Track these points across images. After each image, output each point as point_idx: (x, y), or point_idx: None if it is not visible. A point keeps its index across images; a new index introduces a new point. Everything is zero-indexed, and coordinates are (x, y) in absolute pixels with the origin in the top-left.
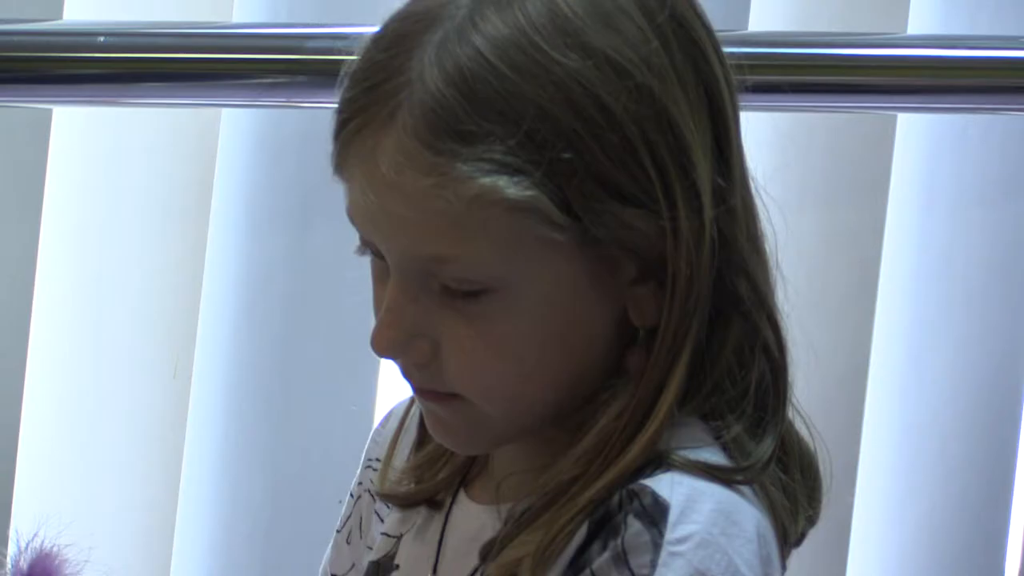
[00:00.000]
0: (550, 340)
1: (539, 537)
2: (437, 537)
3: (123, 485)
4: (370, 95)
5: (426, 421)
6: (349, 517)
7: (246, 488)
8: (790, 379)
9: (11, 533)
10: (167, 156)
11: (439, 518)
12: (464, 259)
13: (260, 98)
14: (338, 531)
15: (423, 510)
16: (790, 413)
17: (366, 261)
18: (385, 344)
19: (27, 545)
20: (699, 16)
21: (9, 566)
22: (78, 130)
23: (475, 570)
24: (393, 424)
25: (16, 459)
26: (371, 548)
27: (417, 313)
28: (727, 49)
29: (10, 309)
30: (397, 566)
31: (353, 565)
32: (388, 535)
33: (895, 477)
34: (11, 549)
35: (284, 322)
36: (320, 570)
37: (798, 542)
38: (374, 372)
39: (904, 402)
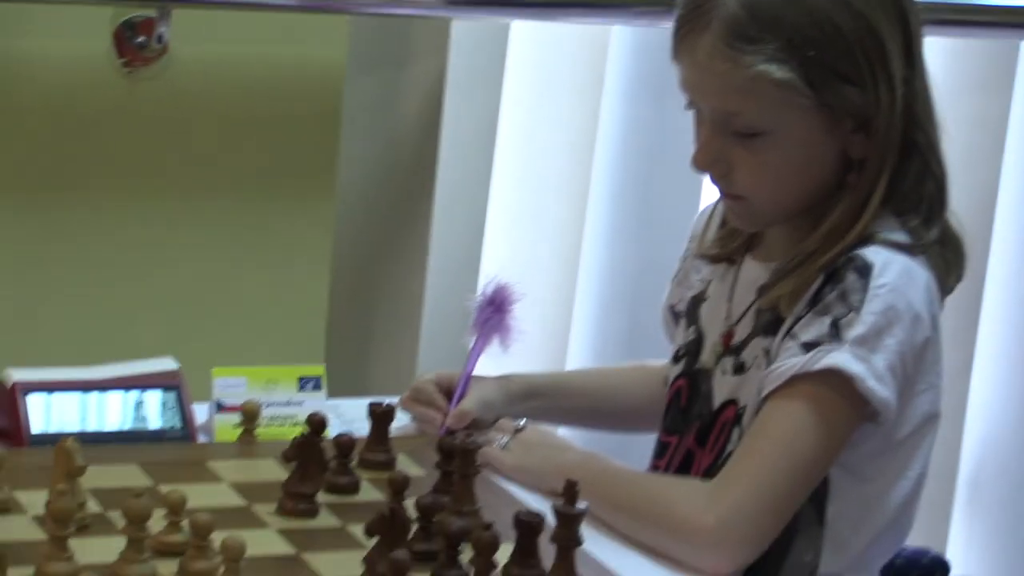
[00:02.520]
0: (800, 165)
1: (792, 284)
2: (731, 281)
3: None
4: (694, 12)
5: (725, 212)
6: (680, 270)
7: None
8: (947, 194)
9: (481, 269)
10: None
11: (733, 270)
12: (748, 114)
13: (634, 21)
14: (674, 278)
15: (724, 265)
16: (947, 215)
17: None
18: (699, 163)
19: (492, 279)
20: None
21: (479, 292)
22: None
23: (752, 303)
24: (706, 214)
25: (485, 218)
26: (691, 288)
27: (720, 146)
28: None
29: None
30: (707, 298)
31: (681, 299)
32: (702, 280)
33: None
34: (482, 282)
35: None
36: (662, 306)
37: (949, 292)
38: None
39: None
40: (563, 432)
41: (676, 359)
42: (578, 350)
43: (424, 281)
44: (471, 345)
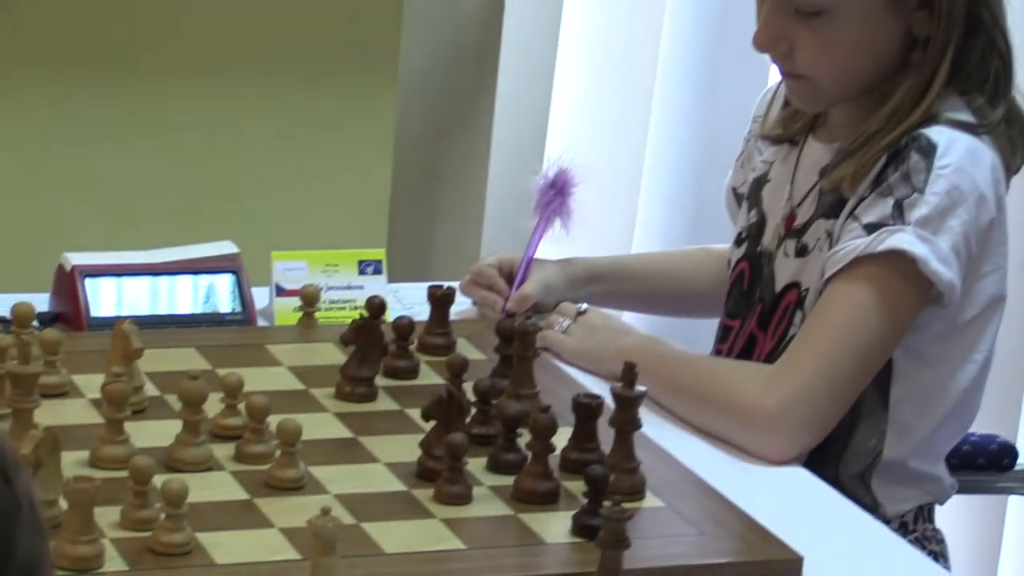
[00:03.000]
0: (862, 43)
1: (855, 164)
2: (793, 163)
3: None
4: None
5: (787, 92)
6: (743, 152)
7: None
8: (1013, 72)
9: (545, 154)
10: None
11: (795, 152)
12: None
13: None
14: (737, 159)
15: (786, 147)
16: (1013, 93)
17: None
18: (760, 43)
19: (554, 162)
20: None
21: (541, 175)
22: None
23: (814, 184)
24: (769, 95)
25: (550, 101)
26: (753, 170)
27: (781, 25)
28: None
29: None
30: (769, 179)
31: (744, 180)
32: (765, 162)
33: None
34: (544, 164)
35: None
36: (725, 187)
37: (1015, 172)
38: None
39: None
40: (625, 317)
41: (738, 242)
42: (643, 234)
43: (487, 165)
44: (532, 228)
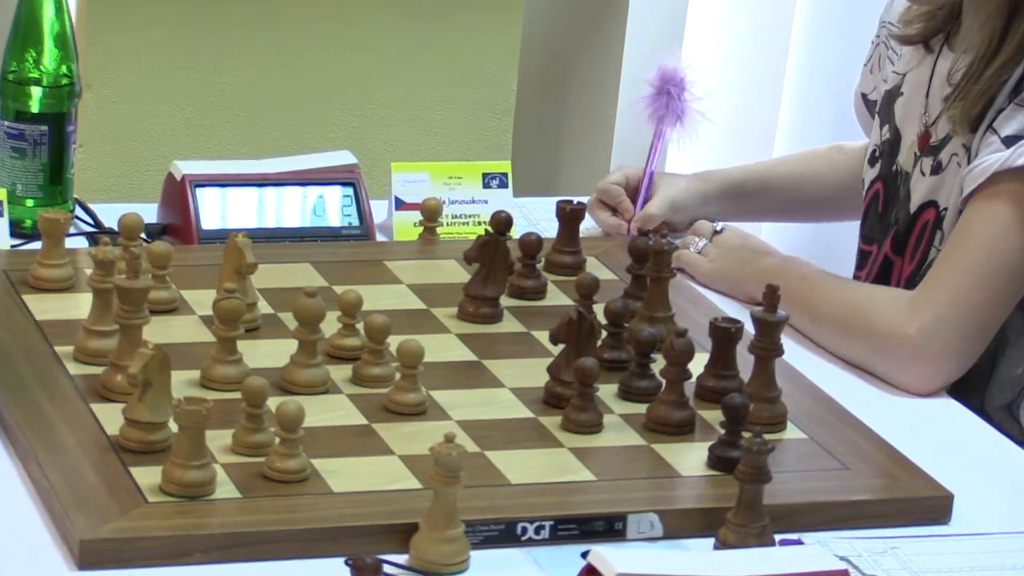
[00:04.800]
0: None
1: (989, 78)
2: (928, 73)
3: None
4: None
5: None
6: (871, 55)
7: None
8: None
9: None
10: None
11: (929, 63)
12: None
13: None
14: (866, 64)
15: (920, 54)
16: None
17: None
18: None
19: (658, 66)
20: None
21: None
22: None
23: (949, 95)
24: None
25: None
26: (885, 81)
27: None
28: None
29: None
30: (902, 93)
31: (875, 87)
32: (897, 72)
33: None
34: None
35: None
36: (853, 91)
37: None
38: None
39: None
40: (763, 230)
41: (872, 160)
42: (786, 139)
43: (619, 74)
44: (650, 142)
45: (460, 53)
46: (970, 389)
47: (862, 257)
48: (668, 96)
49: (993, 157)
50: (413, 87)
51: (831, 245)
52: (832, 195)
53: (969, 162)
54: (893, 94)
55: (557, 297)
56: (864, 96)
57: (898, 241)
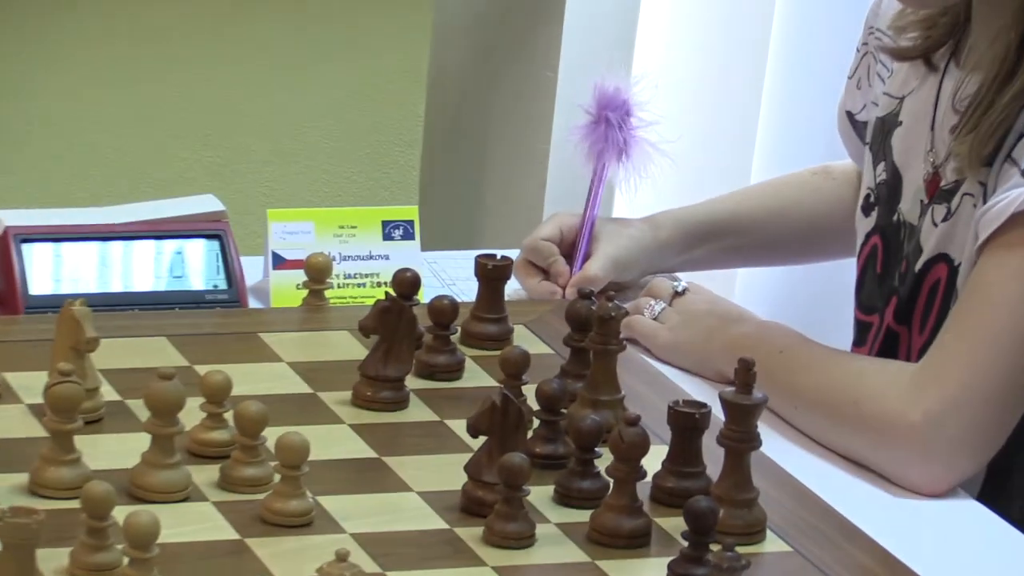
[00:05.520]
0: None
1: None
2: (933, 98)
3: None
4: None
5: None
6: (856, 65)
7: None
8: None
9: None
10: None
11: (934, 83)
12: None
13: None
14: (850, 77)
15: (922, 73)
16: None
17: None
18: None
19: (597, 85)
20: None
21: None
22: None
23: (956, 126)
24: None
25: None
26: (876, 104)
27: None
28: None
29: None
30: (900, 122)
31: (863, 106)
32: (891, 95)
33: None
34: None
35: None
36: (837, 107)
37: None
38: None
39: None
40: (742, 289)
41: (866, 208)
42: (764, 165)
43: (553, 97)
44: (589, 183)
45: (353, 69)
46: (1005, 490)
47: (860, 330)
48: (607, 124)
49: (1013, 194)
50: (293, 113)
51: (824, 309)
52: (821, 230)
53: (985, 201)
54: (889, 123)
55: (477, 377)
56: (850, 115)
57: (903, 308)
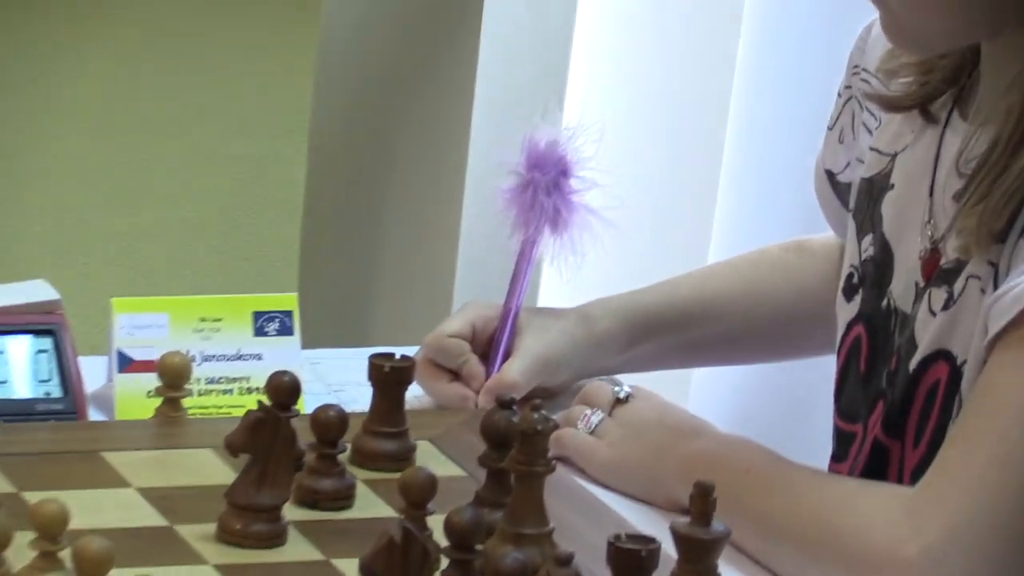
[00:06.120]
0: None
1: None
2: (932, 158)
3: None
4: None
5: (881, 26)
6: (836, 116)
7: None
8: None
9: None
10: None
11: (933, 136)
12: None
13: None
14: (830, 128)
15: (918, 127)
16: None
17: None
18: None
19: (528, 139)
20: None
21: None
22: None
23: (960, 193)
24: (869, 33)
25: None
26: (861, 161)
27: None
28: None
29: None
30: (891, 185)
31: (847, 164)
32: (879, 151)
33: None
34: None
35: None
36: (815, 164)
37: None
38: None
39: None
40: (696, 394)
41: (848, 291)
42: (725, 239)
43: (466, 151)
44: (514, 262)
45: (217, 115)
46: None
47: (841, 442)
48: (536, 188)
49: None
50: (145, 172)
51: (798, 418)
52: (799, 320)
53: (996, 286)
54: (877, 186)
55: (371, 506)
56: (831, 175)
57: (893, 416)
